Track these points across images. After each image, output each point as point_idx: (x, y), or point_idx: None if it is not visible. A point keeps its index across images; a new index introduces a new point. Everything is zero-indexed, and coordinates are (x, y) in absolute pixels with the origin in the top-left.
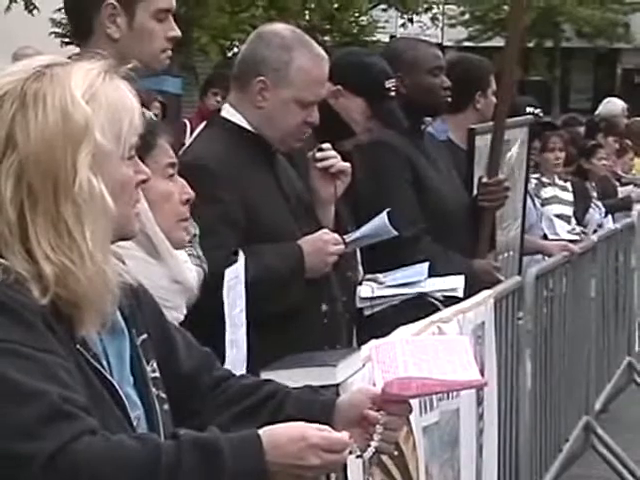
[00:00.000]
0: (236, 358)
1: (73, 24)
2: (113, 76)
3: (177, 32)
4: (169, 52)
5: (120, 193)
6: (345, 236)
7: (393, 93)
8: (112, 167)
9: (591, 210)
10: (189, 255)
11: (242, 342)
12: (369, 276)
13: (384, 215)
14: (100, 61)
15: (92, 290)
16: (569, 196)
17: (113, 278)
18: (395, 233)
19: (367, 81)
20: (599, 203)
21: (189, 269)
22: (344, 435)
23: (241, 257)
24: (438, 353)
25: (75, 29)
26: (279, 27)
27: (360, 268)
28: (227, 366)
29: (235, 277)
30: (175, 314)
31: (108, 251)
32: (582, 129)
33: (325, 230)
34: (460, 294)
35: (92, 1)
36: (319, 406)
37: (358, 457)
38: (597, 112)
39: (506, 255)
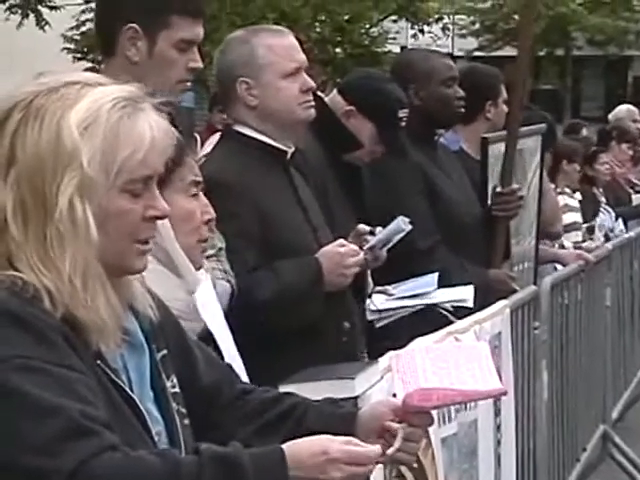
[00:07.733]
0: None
1: (100, 41)
2: (135, 106)
3: (199, 64)
4: (187, 83)
5: (107, 223)
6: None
7: (404, 123)
8: (99, 196)
9: (601, 215)
10: (214, 269)
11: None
12: (379, 288)
13: (399, 220)
14: (130, 88)
15: (81, 313)
16: (578, 204)
17: (102, 304)
18: (410, 227)
19: (381, 108)
20: (609, 208)
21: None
22: (370, 448)
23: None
24: (458, 361)
25: (101, 46)
26: (233, 33)
27: (370, 280)
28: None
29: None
30: (191, 325)
31: (92, 279)
32: (594, 137)
33: (341, 241)
34: (470, 304)
35: (114, 22)
36: (340, 418)
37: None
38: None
39: (521, 267)
